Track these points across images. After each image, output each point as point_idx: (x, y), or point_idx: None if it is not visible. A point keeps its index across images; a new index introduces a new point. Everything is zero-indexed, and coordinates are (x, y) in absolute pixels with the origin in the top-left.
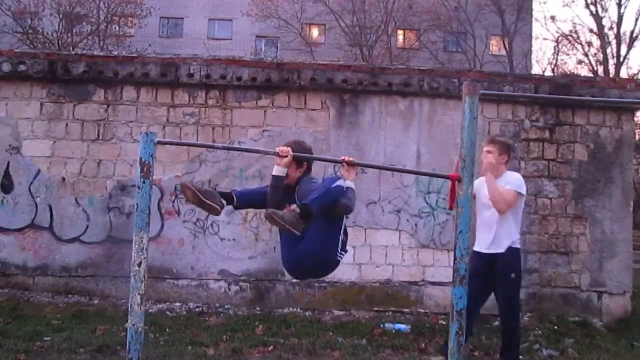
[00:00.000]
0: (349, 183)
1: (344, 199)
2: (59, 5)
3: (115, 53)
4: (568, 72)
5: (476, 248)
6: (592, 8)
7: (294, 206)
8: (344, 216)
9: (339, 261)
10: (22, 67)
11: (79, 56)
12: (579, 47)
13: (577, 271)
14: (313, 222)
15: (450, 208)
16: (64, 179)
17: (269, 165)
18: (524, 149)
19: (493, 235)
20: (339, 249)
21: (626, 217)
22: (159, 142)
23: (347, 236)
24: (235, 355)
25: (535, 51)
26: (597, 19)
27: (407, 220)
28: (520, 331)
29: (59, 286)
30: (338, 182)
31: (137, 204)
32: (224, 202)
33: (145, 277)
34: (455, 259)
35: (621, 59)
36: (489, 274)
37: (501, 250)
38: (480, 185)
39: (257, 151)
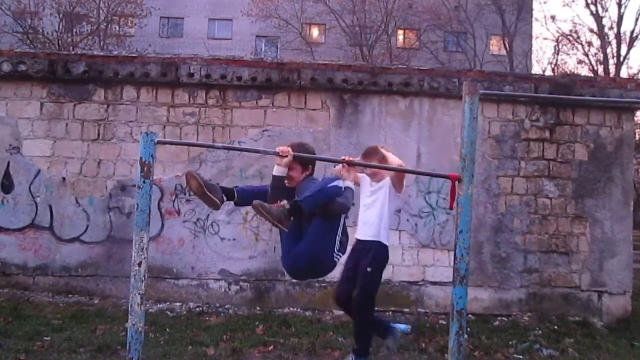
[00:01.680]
0: (347, 183)
1: (340, 198)
2: (59, 5)
3: (115, 53)
4: (568, 72)
5: (356, 236)
6: (592, 8)
7: (284, 202)
8: (343, 217)
9: (335, 262)
10: (22, 67)
11: (79, 56)
12: (579, 46)
13: (577, 271)
14: (312, 222)
15: (451, 208)
16: (64, 178)
17: (269, 165)
18: (524, 149)
19: (368, 226)
20: (335, 250)
21: (626, 217)
22: (159, 142)
23: (347, 237)
24: (235, 355)
25: (535, 51)
26: (597, 18)
27: (407, 220)
28: (371, 330)
29: (59, 286)
30: (336, 182)
31: (137, 204)
32: (225, 197)
33: (145, 277)
34: (455, 259)
35: (621, 59)
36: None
37: (372, 238)
38: (364, 183)
39: (257, 151)
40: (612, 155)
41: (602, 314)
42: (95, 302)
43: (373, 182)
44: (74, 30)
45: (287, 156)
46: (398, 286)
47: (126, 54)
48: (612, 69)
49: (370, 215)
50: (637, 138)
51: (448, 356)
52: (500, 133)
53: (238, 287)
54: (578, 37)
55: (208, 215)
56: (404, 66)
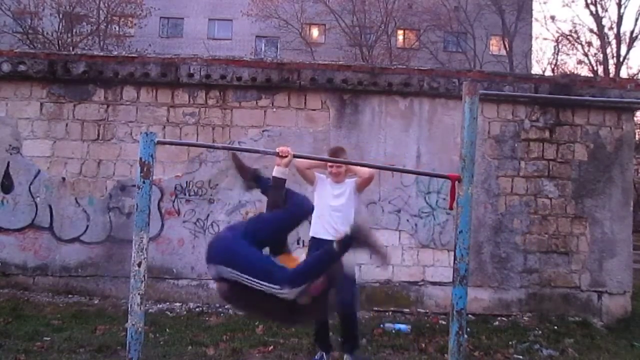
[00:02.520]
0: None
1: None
2: (59, 5)
3: (115, 53)
4: (568, 72)
5: (318, 236)
6: (592, 8)
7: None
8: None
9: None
10: (22, 67)
11: (79, 56)
12: (579, 47)
13: (577, 271)
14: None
15: (451, 208)
16: (64, 179)
17: (269, 166)
18: (524, 149)
19: (343, 228)
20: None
21: (626, 217)
22: (159, 142)
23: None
24: (235, 355)
25: (535, 51)
26: (597, 19)
27: (407, 220)
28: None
29: (59, 286)
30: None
31: (137, 204)
32: (254, 184)
33: (145, 277)
34: (455, 259)
35: (621, 59)
36: None
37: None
38: (322, 184)
39: (257, 151)
40: (612, 155)
41: (602, 314)
42: (95, 302)
43: (334, 184)
44: (74, 31)
45: (287, 156)
46: (398, 286)
47: (126, 54)
48: (612, 69)
49: (341, 217)
50: (637, 138)
51: (448, 356)
52: (500, 133)
53: None
54: (578, 37)
55: (208, 216)
56: (404, 66)
